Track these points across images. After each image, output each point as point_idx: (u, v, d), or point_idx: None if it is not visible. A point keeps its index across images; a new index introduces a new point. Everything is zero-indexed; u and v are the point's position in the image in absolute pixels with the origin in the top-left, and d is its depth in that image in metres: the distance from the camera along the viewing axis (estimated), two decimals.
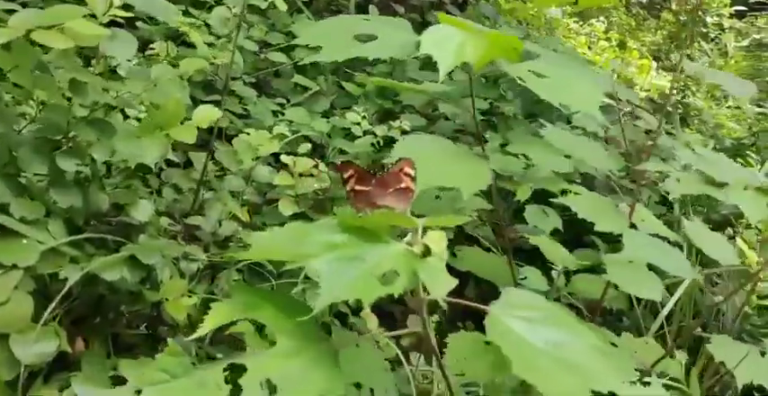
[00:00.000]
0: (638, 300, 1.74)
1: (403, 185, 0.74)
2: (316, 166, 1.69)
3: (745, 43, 4.75)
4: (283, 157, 1.65)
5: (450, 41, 0.83)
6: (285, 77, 2.27)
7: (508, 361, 0.61)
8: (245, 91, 1.93)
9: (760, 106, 2.55)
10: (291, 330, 0.64)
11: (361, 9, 2.62)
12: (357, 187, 0.74)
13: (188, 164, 1.67)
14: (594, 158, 1.08)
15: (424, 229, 0.65)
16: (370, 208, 0.73)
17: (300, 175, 1.71)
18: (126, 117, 1.47)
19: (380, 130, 1.76)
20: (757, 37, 4.80)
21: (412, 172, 0.74)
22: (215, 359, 1.44)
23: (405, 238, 0.64)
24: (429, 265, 0.61)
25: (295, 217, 1.71)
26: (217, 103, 1.75)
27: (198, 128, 1.85)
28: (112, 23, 1.16)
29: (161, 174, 1.65)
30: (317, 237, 0.62)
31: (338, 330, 0.77)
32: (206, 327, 0.65)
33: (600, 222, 0.98)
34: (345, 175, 0.74)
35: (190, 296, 1.23)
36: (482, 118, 2.11)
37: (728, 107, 3.34)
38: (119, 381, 1.09)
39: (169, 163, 1.71)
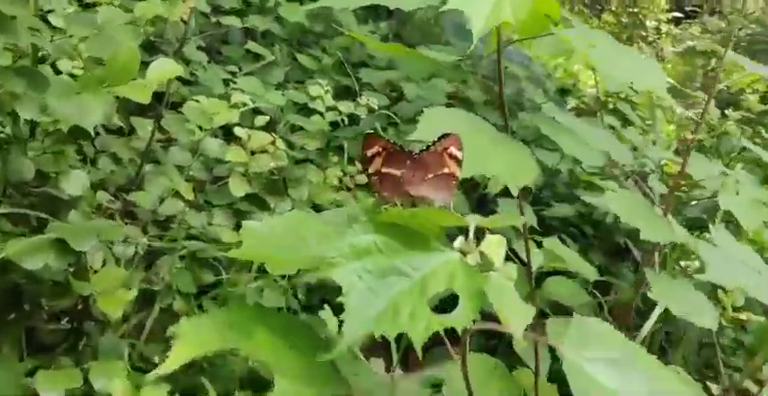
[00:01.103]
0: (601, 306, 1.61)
1: (446, 171, 0.54)
2: (273, 143, 1.47)
3: (680, 49, 4.75)
4: (237, 130, 1.43)
5: None
6: (235, 44, 2.03)
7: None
8: (194, 54, 1.68)
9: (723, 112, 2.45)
10: (294, 368, 0.44)
11: None
12: (384, 170, 0.53)
13: (129, 131, 1.42)
14: (616, 151, 0.91)
15: (478, 232, 0.46)
16: (401, 198, 0.53)
17: (253, 151, 1.49)
18: (58, 72, 1.22)
19: (345, 107, 1.55)
20: (691, 44, 4.80)
21: (459, 154, 0.54)
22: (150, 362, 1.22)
23: (454, 244, 0.45)
24: (497, 284, 0.42)
25: (246, 198, 1.49)
26: None
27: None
28: None
29: (95, 141, 1.40)
30: (342, 236, 0.42)
31: (346, 361, 0.57)
32: (174, 360, 0.44)
33: (645, 230, 0.79)
34: (370, 152, 0.53)
35: (129, 288, 1.01)
36: (447, 101, 1.93)
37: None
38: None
39: (106, 129, 1.46)
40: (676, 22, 4.76)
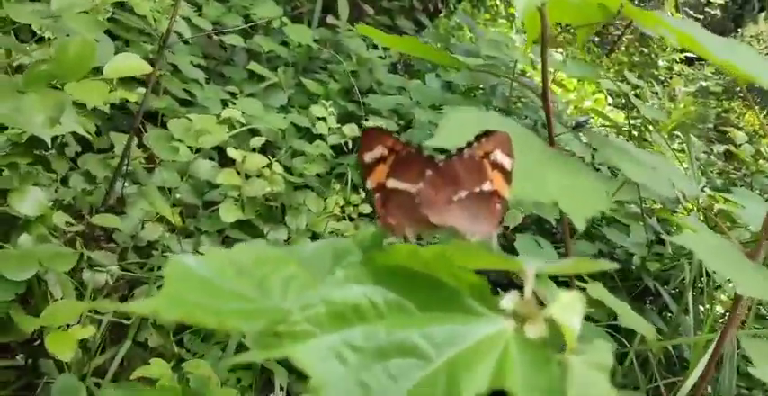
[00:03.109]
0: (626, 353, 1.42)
1: (487, 187, 0.35)
2: (269, 166, 1.30)
3: (692, 89, 4.62)
4: (231, 151, 1.26)
5: None
6: (238, 66, 1.87)
7: None
8: (191, 71, 1.52)
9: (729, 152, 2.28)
10: None
11: (327, 8, 2.26)
12: (392, 183, 0.35)
13: (106, 148, 1.25)
14: (680, 182, 0.72)
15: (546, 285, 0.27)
16: (416, 228, 0.35)
17: (248, 175, 1.31)
18: None
19: (349, 130, 1.38)
20: (704, 84, 4.67)
21: (508, 162, 0.34)
22: None
23: (501, 303, 0.27)
24: (585, 378, 0.24)
25: (238, 225, 1.31)
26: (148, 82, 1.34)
27: (127, 108, 1.43)
28: None
29: (78, 160, 1.23)
30: (314, 287, 0.24)
31: None
32: None
33: (742, 283, 0.58)
34: (369, 157, 0.34)
35: (95, 316, 0.82)
36: None
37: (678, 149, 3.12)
38: None
39: (93, 148, 1.29)
40: (689, 62, 4.63)
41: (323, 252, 0.33)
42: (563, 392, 0.22)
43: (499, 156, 0.34)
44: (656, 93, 4.22)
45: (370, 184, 0.34)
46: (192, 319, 0.25)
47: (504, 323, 0.25)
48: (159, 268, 1.18)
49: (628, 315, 0.64)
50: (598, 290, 0.63)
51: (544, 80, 0.57)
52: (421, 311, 0.25)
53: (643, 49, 4.52)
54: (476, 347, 0.24)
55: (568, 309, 0.26)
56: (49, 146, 0.77)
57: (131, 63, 0.69)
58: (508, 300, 0.27)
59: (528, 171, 0.44)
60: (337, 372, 0.23)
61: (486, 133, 0.33)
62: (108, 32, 1.53)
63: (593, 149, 1.70)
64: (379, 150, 0.34)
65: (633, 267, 1.54)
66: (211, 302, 0.28)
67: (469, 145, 0.33)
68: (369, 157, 0.34)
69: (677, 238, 0.58)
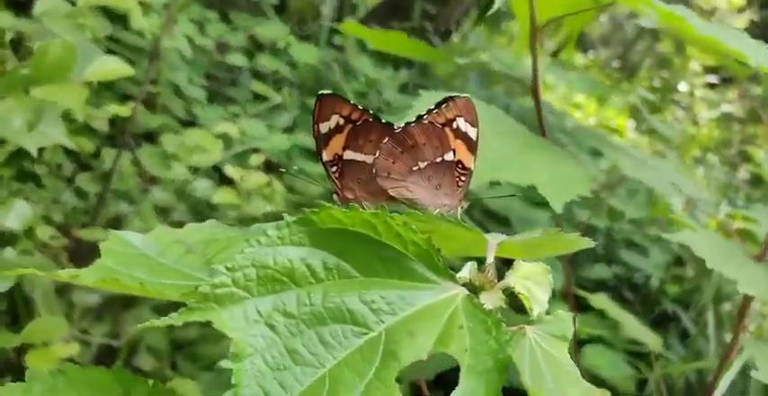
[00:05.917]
0: (645, 380, 1.38)
1: (449, 157, 0.32)
2: (269, 184, 1.29)
3: (715, 114, 4.60)
4: (229, 169, 1.25)
5: None
6: (243, 87, 1.88)
7: None
8: (191, 90, 1.53)
9: None
10: None
11: (335, 29, 2.29)
12: (349, 154, 0.33)
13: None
14: (687, 187, 0.69)
15: (504, 258, 0.26)
16: (373, 201, 0.33)
17: (248, 193, 1.31)
18: None
19: None
20: (726, 110, 4.65)
21: (472, 131, 0.32)
22: None
23: (459, 274, 0.25)
24: (539, 350, 0.22)
25: None
26: (148, 100, 1.36)
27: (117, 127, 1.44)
28: None
29: (75, 178, 1.24)
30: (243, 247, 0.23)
31: None
32: None
33: (743, 280, 0.56)
34: (326, 126, 0.32)
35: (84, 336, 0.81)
36: None
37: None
38: None
39: (89, 168, 1.30)
40: (712, 87, 4.61)
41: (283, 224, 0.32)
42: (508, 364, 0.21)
43: (462, 123, 0.32)
44: (677, 118, 4.21)
45: (326, 156, 0.33)
46: (116, 286, 0.24)
47: (455, 291, 0.24)
48: None
49: (632, 326, 0.62)
50: (601, 300, 0.61)
51: (534, 72, 0.56)
52: (363, 276, 0.23)
53: (664, 75, 4.52)
54: (420, 314, 0.22)
55: (529, 278, 0.25)
56: (35, 156, 0.77)
57: (113, 66, 0.68)
58: (465, 269, 0.26)
59: (510, 156, 0.43)
60: (265, 338, 0.21)
61: (448, 99, 0.32)
62: (110, 52, 1.56)
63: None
64: (335, 119, 0.33)
65: (652, 291, 1.51)
66: (145, 277, 0.27)
67: (429, 111, 0.32)
68: (324, 127, 0.33)
69: (676, 235, 0.56)
